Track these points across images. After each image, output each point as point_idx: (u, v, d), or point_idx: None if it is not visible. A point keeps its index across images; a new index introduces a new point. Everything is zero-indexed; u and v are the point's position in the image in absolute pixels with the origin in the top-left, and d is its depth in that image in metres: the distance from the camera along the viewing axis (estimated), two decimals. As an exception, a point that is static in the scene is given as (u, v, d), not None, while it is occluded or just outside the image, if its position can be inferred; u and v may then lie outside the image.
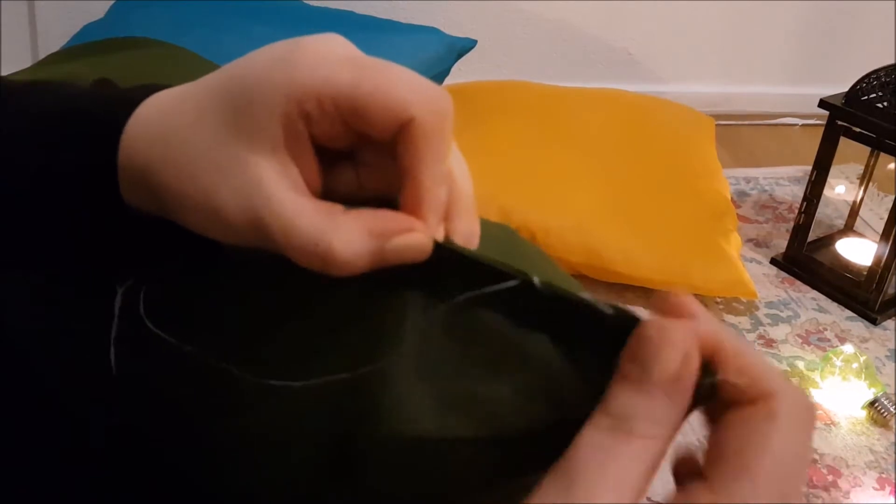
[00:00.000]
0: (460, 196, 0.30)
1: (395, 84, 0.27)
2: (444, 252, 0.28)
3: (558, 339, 0.26)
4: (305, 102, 0.26)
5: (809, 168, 1.33)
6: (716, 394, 0.24)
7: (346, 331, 0.29)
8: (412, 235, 0.27)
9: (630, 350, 0.24)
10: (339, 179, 0.30)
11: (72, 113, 0.30)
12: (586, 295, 0.26)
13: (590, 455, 0.23)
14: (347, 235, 0.26)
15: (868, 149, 1.31)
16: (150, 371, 0.31)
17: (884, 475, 1.00)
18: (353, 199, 0.29)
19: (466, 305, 0.27)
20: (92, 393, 0.32)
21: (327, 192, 0.29)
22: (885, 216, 1.24)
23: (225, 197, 0.27)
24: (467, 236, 0.30)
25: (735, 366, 0.23)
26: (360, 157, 0.30)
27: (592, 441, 0.23)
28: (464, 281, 0.28)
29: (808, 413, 0.23)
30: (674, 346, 0.23)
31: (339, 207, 0.28)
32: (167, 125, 0.29)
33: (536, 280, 0.26)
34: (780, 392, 0.23)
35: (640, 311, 0.26)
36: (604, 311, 0.26)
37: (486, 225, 0.53)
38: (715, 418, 0.24)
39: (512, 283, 0.27)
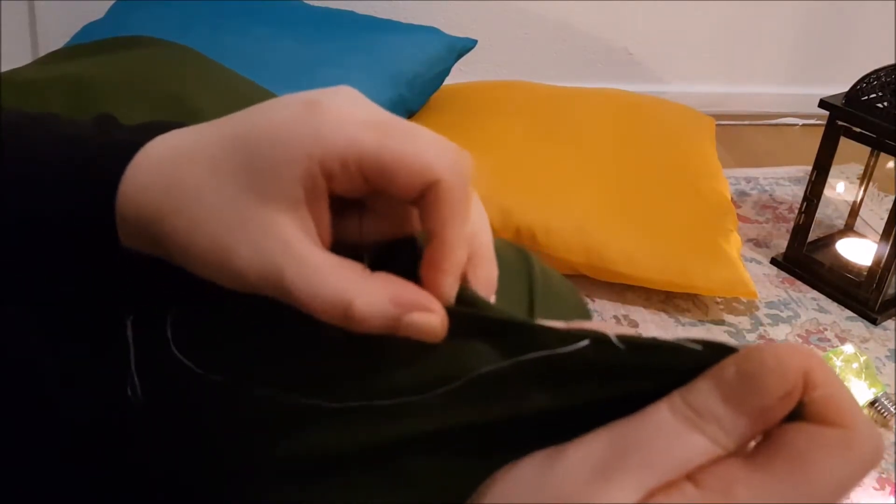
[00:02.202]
0: (482, 245, 0.31)
1: (421, 147, 0.27)
2: (506, 316, 0.27)
3: (639, 393, 0.24)
4: (329, 162, 0.27)
5: (809, 168, 1.33)
6: (801, 417, 0.23)
7: (390, 358, 0.28)
8: (431, 317, 0.27)
9: (739, 362, 0.23)
10: (344, 226, 0.30)
11: (67, 157, 0.30)
12: (667, 338, 0.25)
13: (659, 432, 0.23)
14: (370, 298, 0.27)
15: (868, 149, 1.31)
16: (173, 399, 0.31)
17: (884, 475, 1.00)
18: (355, 245, 0.29)
19: (530, 366, 0.26)
20: (106, 421, 0.32)
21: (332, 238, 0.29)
22: (885, 216, 1.24)
23: (243, 255, 0.27)
24: (487, 282, 0.31)
25: (823, 392, 0.23)
26: (370, 205, 0.30)
27: (665, 421, 0.23)
28: (526, 341, 0.26)
29: (878, 455, 0.23)
30: (784, 381, 0.22)
31: (360, 266, 0.28)
32: (178, 177, 0.28)
33: (612, 336, 0.25)
34: (861, 426, 0.23)
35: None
36: (691, 349, 0.24)
37: (502, 251, 0.53)
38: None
39: (583, 343, 0.25)
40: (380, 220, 0.31)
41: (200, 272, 0.28)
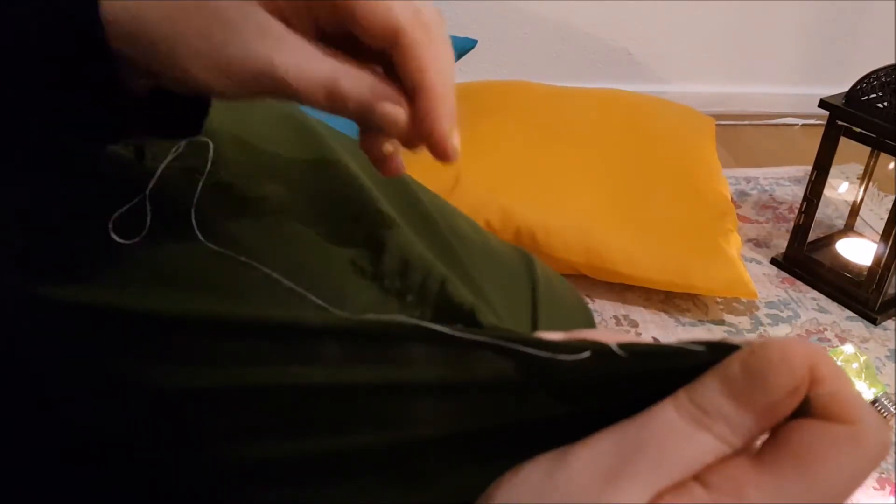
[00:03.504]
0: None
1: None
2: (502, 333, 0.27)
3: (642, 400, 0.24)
4: None
5: (809, 168, 1.33)
6: (807, 413, 0.23)
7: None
8: (398, 110, 0.30)
9: (743, 359, 0.23)
10: None
11: None
12: (669, 342, 0.24)
13: (665, 432, 0.22)
14: (354, 80, 0.30)
15: (868, 149, 1.31)
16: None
17: (884, 475, 1.00)
18: None
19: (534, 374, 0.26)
20: (94, 395, 0.32)
21: None
22: (885, 216, 1.24)
23: (232, 45, 0.28)
24: (451, 115, 0.32)
25: (829, 388, 0.22)
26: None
27: (672, 421, 0.23)
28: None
29: (884, 451, 0.23)
30: (790, 376, 0.22)
31: (344, 55, 0.30)
32: None
33: (613, 345, 0.25)
34: (868, 421, 0.22)
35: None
36: (694, 350, 0.24)
37: (504, 253, 0.53)
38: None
39: (584, 354, 0.25)
40: None
41: (191, 71, 0.29)
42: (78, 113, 0.30)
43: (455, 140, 0.31)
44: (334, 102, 0.29)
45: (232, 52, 0.28)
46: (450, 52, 0.32)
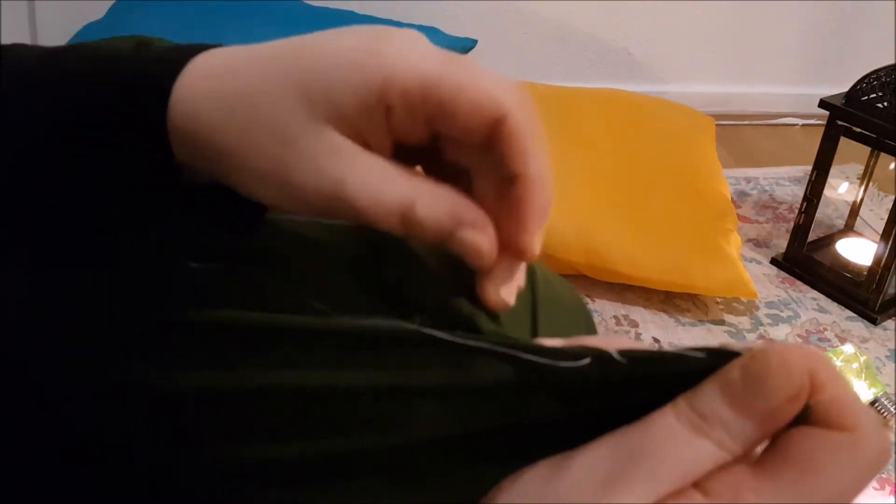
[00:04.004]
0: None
1: (485, 79, 0.26)
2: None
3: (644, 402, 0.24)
4: (390, 91, 0.26)
5: (809, 168, 1.33)
6: (807, 420, 0.23)
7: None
8: (482, 237, 0.28)
9: (743, 365, 0.23)
10: None
11: (112, 70, 0.29)
12: (669, 349, 0.24)
13: (665, 439, 0.22)
14: (431, 204, 0.27)
15: (868, 149, 1.31)
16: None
17: (884, 475, 1.00)
18: None
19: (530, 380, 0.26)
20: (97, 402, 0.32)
21: None
22: (885, 216, 1.24)
23: (302, 168, 0.27)
24: (543, 211, 0.30)
25: (829, 394, 0.22)
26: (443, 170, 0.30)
27: (671, 427, 0.22)
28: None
29: (885, 456, 0.23)
30: (789, 382, 0.22)
31: (422, 173, 0.28)
32: (231, 86, 0.27)
33: (613, 352, 0.25)
34: (867, 427, 0.22)
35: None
36: (694, 357, 0.24)
37: None
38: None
39: (584, 361, 0.25)
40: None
41: (256, 190, 0.28)
42: (131, 199, 0.30)
43: (538, 241, 0.29)
44: (410, 230, 0.27)
45: (301, 177, 0.27)
46: (543, 135, 0.29)
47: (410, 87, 0.26)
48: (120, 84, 0.28)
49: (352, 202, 0.27)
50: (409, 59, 0.26)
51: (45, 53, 0.31)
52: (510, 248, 0.30)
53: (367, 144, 0.27)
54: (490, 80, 0.27)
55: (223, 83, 0.27)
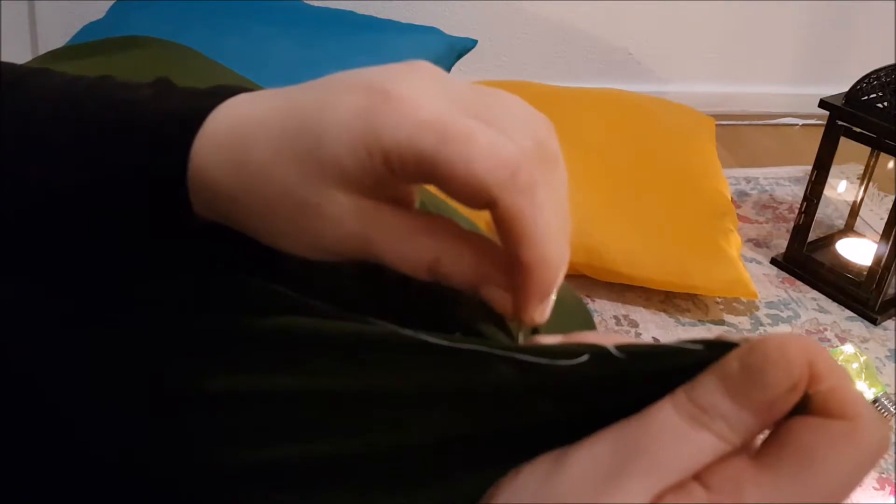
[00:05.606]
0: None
1: (475, 159, 0.26)
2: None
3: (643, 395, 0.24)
4: (390, 158, 0.26)
5: (809, 168, 1.33)
6: (806, 410, 0.23)
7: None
8: (502, 296, 0.29)
9: (741, 356, 0.22)
10: None
11: (132, 124, 0.30)
12: (667, 342, 0.24)
13: (664, 432, 0.22)
14: (457, 259, 0.28)
15: (868, 149, 1.31)
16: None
17: (884, 475, 1.00)
18: None
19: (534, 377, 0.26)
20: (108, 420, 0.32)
21: None
22: (885, 216, 1.24)
23: (326, 233, 0.27)
24: (542, 315, 0.30)
25: (828, 384, 0.22)
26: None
27: (670, 420, 0.22)
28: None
29: (883, 446, 0.23)
30: (788, 374, 0.22)
31: (447, 221, 0.29)
32: (246, 156, 0.28)
33: (611, 347, 0.24)
34: (866, 417, 0.22)
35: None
36: (692, 349, 0.23)
37: None
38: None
39: (583, 358, 0.25)
40: None
41: (278, 245, 0.29)
42: (148, 251, 0.31)
43: (541, 313, 0.29)
44: (439, 280, 0.28)
45: (328, 241, 0.28)
46: (562, 210, 0.28)
47: (407, 162, 0.26)
48: (137, 157, 0.29)
49: (380, 259, 0.28)
50: (405, 128, 0.26)
51: (60, 98, 0.32)
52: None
53: (385, 196, 0.28)
54: (483, 156, 0.26)
55: (235, 153, 0.28)
